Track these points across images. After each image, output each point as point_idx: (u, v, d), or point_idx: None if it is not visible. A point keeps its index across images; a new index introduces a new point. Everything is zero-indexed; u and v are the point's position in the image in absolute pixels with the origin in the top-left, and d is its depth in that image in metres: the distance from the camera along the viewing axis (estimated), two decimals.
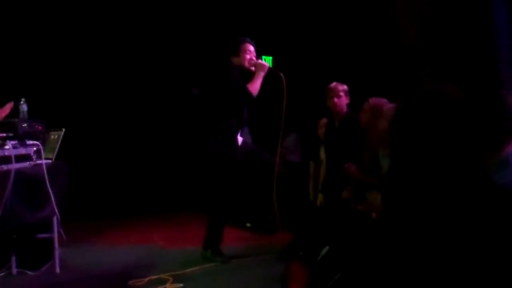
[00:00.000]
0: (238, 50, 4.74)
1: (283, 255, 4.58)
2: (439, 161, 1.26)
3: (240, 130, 4.69)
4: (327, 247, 3.53)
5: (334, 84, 4.99)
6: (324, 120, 5.69)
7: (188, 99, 7.99)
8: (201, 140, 4.97)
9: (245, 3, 7.54)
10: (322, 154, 5.85)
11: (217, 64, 4.91)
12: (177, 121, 8.04)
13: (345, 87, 4.98)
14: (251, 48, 4.76)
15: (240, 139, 4.68)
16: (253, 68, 4.71)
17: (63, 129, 4.55)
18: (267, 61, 4.80)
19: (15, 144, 3.98)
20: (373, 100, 4.42)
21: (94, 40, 7.78)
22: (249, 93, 4.59)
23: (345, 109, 4.98)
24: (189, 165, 7.67)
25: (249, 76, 4.72)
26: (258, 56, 4.80)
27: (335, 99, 4.93)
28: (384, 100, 4.38)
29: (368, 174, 4.33)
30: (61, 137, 4.51)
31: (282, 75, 4.65)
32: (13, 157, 3.82)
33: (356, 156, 4.60)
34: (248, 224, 6.11)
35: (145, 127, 8.13)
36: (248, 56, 4.73)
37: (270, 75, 4.75)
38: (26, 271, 4.32)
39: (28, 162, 4.04)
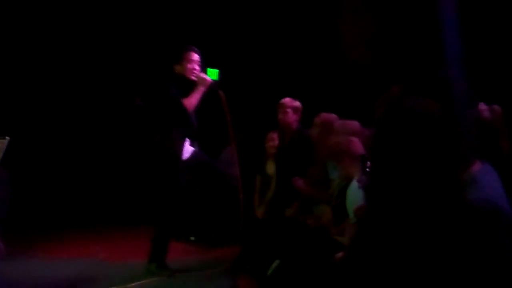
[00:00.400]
0: (181, 59, 4.59)
1: (229, 269, 4.54)
2: (419, 176, 1.28)
3: (188, 140, 4.59)
4: (277, 261, 3.51)
5: (285, 99, 4.97)
6: (272, 134, 5.71)
7: (132, 109, 7.86)
8: (145, 151, 4.89)
9: (194, 15, 7.51)
10: (269, 168, 5.85)
11: (157, 74, 4.80)
12: (122, 132, 7.88)
13: (296, 103, 4.97)
14: (195, 57, 4.62)
15: (190, 149, 4.60)
16: (194, 78, 4.56)
17: (8, 138, 4.36)
18: (213, 73, 4.67)
19: None
20: (323, 116, 4.48)
21: (37, 49, 7.57)
22: (183, 108, 4.45)
23: (294, 125, 4.99)
24: (131, 177, 7.52)
25: (192, 85, 4.57)
26: (204, 67, 4.65)
27: (281, 115, 4.93)
28: (334, 116, 4.44)
29: (316, 189, 4.37)
30: (5, 146, 4.32)
31: (222, 94, 4.58)
32: None
33: (304, 172, 4.64)
34: (192, 238, 6.03)
35: (89, 138, 7.95)
36: (190, 66, 4.57)
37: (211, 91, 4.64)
38: None
39: None
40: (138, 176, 7.27)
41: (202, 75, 4.57)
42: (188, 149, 4.61)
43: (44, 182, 7.52)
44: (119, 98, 7.98)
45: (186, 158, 4.59)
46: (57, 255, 5.55)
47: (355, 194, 3.21)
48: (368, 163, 2.41)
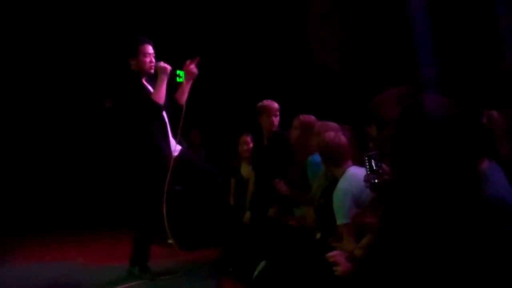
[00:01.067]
0: (136, 53, 4.45)
1: (211, 271, 4.56)
2: (441, 174, 1.35)
3: (170, 138, 4.50)
4: (263, 263, 3.55)
5: (269, 102, 5.01)
6: (245, 137, 5.75)
7: (103, 112, 7.80)
8: (128, 153, 4.83)
9: (161, 17, 7.49)
10: (244, 171, 5.90)
11: (117, 74, 4.70)
12: (98, 134, 7.82)
13: (278, 105, 5.02)
14: (150, 49, 4.47)
15: (177, 147, 4.54)
16: (152, 71, 4.45)
17: None
18: (181, 75, 4.56)
19: None
20: (302, 117, 4.54)
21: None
22: (152, 103, 4.34)
23: (274, 127, 5.05)
24: (109, 180, 7.47)
25: (154, 77, 4.47)
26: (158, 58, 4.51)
27: (273, 118, 4.97)
28: (313, 117, 4.51)
29: (296, 190, 4.43)
30: None
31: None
32: None
33: (284, 173, 4.70)
34: (170, 241, 6.01)
35: (65, 141, 7.85)
36: (147, 59, 4.44)
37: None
38: None
39: None
40: (115, 179, 7.25)
41: (160, 64, 4.43)
42: (176, 148, 4.55)
43: (19, 185, 7.41)
44: (93, 100, 7.91)
45: (175, 156, 4.52)
46: (34, 259, 5.47)
47: (342, 197, 3.27)
48: (373, 161, 2.47)
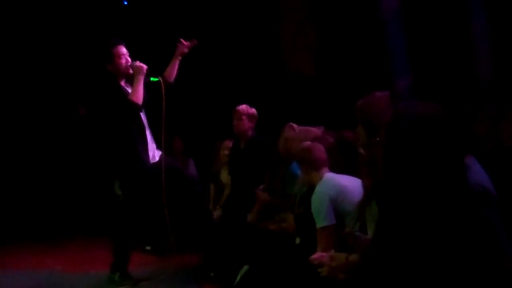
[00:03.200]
0: (110, 56, 4.44)
1: (192, 277, 4.59)
2: (433, 174, 1.42)
3: (148, 142, 4.50)
4: (246, 267, 3.58)
5: (241, 107, 5.07)
6: (227, 143, 5.79)
7: (77, 119, 7.77)
8: (99, 160, 4.83)
9: (137, 22, 7.49)
10: (223, 177, 5.92)
11: (93, 79, 4.69)
12: (73, 141, 7.75)
13: (252, 111, 5.08)
14: (124, 50, 4.46)
15: (157, 152, 4.55)
16: (131, 71, 4.44)
17: None
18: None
19: None
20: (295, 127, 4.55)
21: None
22: (130, 103, 4.33)
23: (249, 132, 5.10)
24: (84, 186, 7.42)
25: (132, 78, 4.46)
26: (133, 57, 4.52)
27: (236, 121, 5.04)
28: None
29: (278, 198, 4.47)
30: None
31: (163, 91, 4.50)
32: None
33: (261, 178, 4.74)
34: (148, 247, 6.00)
35: (39, 148, 7.76)
36: (122, 61, 4.43)
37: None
38: None
39: None
40: (90, 185, 7.21)
41: (136, 63, 4.43)
42: (157, 153, 4.55)
43: None
44: (67, 107, 7.85)
45: (155, 161, 4.54)
46: (9, 267, 5.37)
47: (320, 200, 3.33)
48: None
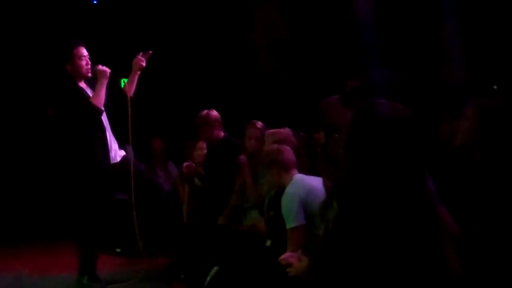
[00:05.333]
0: (71, 57, 4.37)
1: (163, 279, 4.55)
2: (393, 174, 1.43)
3: (109, 143, 4.45)
4: (215, 268, 3.56)
5: (203, 112, 5.06)
6: (201, 143, 5.75)
7: (46, 120, 7.63)
8: (66, 160, 4.75)
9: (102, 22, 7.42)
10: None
11: (52, 80, 4.60)
12: (38, 142, 7.63)
13: (213, 116, 5.06)
14: (84, 52, 4.39)
15: (120, 153, 4.53)
16: (90, 75, 4.40)
17: None
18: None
19: None
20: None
21: None
22: (92, 107, 4.29)
23: (219, 136, 5.09)
24: (49, 189, 7.29)
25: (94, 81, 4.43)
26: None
27: (203, 129, 5.05)
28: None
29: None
30: None
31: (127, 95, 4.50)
32: None
33: (231, 180, 4.73)
34: (118, 250, 5.94)
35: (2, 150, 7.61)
36: (83, 63, 4.36)
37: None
38: None
39: None
40: (55, 188, 7.08)
41: (99, 67, 4.40)
42: (119, 153, 4.53)
43: None
44: (34, 107, 7.72)
45: (116, 161, 4.50)
46: None
47: (290, 201, 3.33)
48: None
